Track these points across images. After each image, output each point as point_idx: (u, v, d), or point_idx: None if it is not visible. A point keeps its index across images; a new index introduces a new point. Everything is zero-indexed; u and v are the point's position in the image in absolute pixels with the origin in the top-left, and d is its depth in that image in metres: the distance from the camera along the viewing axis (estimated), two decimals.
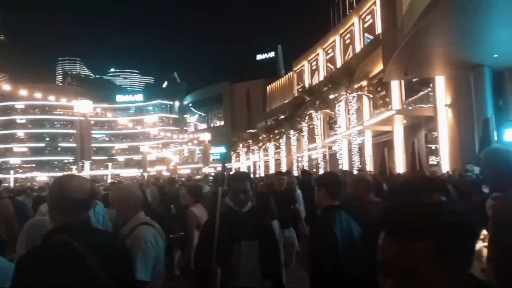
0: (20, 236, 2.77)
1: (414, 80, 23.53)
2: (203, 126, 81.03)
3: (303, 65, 50.28)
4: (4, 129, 78.48)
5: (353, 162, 26.08)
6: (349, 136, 27.44)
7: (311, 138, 34.90)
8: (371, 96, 27.25)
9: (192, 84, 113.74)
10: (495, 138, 10.14)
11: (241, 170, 55.85)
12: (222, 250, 2.63)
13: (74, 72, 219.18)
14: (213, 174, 24.54)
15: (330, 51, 43.04)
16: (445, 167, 18.15)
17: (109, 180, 37.99)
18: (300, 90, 44.92)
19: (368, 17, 34.78)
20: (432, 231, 0.82)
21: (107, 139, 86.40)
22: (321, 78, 41.70)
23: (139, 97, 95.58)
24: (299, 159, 38.84)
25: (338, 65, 38.52)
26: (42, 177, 60.62)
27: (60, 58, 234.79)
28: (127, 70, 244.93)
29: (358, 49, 35.81)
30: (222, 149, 70.94)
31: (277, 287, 2.89)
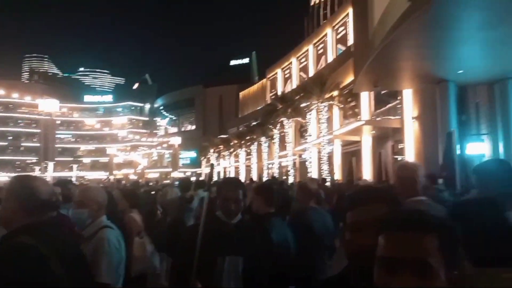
0: None
1: (383, 92, 24.10)
2: (174, 129, 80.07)
3: (277, 73, 50.66)
4: None
5: (322, 171, 26.38)
6: (319, 144, 27.78)
7: (282, 146, 35.09)
8: (341, 106, 27.71)
9: (164, 86, 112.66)
10: (458, 152, 10.47)
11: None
12: (203, 264, 2.33)
13: (41, 70, 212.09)
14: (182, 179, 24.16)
15: (303, 60, 43.58)
16: None
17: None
18: (272, 97, 45.20)
19: (341, 28, 35.49)
20: (437, 227, 0.98)
21: (73, 140, 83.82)
22: (294, 86, 42.10)
23: (109, 97, 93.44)
24: (270, 166, 38.98)
25: (311, 74, 39.03)
26: (2, 177, 58.07)
27: (27, 55, 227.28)
28: (97, 70, 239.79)
29: (330, 59, 36.43)
30: (192, 154, 70.29)
31: None
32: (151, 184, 17.82)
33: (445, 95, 16.78)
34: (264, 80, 56.35)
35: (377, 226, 1.06)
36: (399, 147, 23.05)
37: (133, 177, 50.26)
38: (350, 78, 27.17)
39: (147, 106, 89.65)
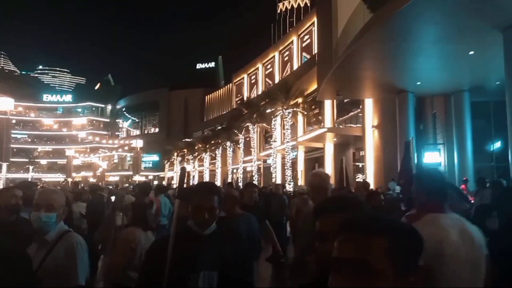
0: None
1: (345, 100, 24.68)
2: (136, 132, 78.24)
3: (243, 78, 50.79)
4: None
5: (286, 176, 26.60)
6: (283, 150, 28.03)
7: (247, 151, 35.14)
8: (305, 113, 28.12)
9: (127, 88, 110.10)
10: (415, 160, 10.85)
11: (172, 179, 54.65)
12: (175, 281, 2.06)
13: None
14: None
15: (269, 66, 43.97)
16: (371, 185, 19.10)
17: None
18: (238, 102, 45.24)
19: (307, 37, 36.10)
20: (387, 231, 0.98)
21: (29, 140, 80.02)
22: (260, 92, 42.37)
23: (68, 97, 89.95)
24: (234, 170, 38.90)
25: (276, 80, 39.42)
26: None
27: None
28: (57, 69, 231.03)
29: (295, 66, 36.96)
30: (155, 157, 68.94)
31: None
32: (110, 187, 17.29)
33: (404, 105, 17.39)
34: (230, 84, 56.35)
35: None
36: (360, 154, 23.64)
37: (92, 180, 48.66)
38: (314, 86, 27.67)
39: (109, 107, 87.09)
